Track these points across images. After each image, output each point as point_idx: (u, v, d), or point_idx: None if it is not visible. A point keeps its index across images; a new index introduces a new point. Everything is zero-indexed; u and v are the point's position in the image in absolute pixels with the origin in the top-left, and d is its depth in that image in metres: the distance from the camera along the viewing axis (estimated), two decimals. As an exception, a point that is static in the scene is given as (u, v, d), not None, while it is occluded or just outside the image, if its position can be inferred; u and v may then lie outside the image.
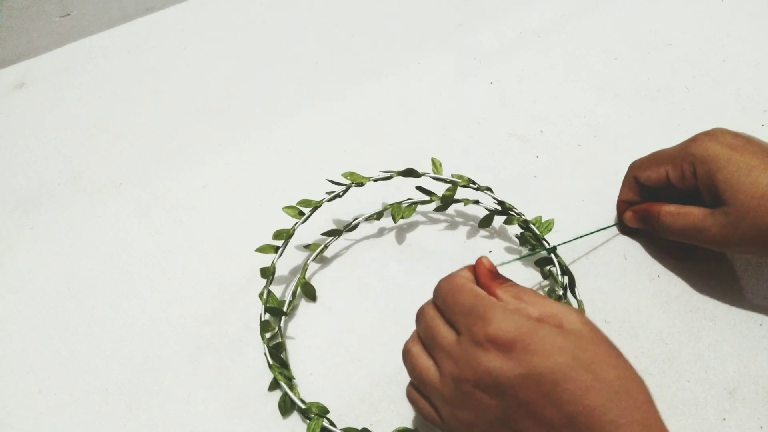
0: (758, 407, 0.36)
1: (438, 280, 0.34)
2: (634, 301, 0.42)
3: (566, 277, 0.40)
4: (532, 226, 0.43)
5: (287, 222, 0.46)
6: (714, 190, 0.37)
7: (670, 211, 0.40)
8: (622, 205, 0.45)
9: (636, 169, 0.43)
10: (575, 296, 0.40)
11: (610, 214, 0.46)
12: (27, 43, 0.70)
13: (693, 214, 0.38)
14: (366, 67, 0.62)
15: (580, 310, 0.39)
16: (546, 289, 0.42)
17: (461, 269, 0.34)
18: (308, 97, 0.60)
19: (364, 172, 0.45)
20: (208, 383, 0.40)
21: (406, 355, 0.34)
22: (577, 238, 0.43)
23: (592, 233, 0.43)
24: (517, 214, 0.44)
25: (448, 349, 0.31)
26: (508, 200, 0.47)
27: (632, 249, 0.44)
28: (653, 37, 0.61)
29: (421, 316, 0.34)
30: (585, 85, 0.57)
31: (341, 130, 0.56)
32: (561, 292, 0.40)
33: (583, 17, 0.65)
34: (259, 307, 0.43)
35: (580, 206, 0.47)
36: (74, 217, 0.52)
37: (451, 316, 0.32)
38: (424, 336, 0.33)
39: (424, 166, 0.52)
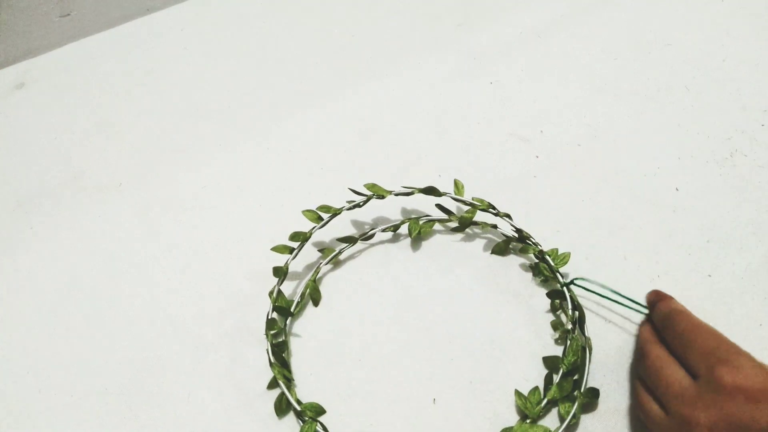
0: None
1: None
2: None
3: (576, 313, 0.40)
4: (547, 257, 0.42)
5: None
6: None
7: None
8: None
9: None
10: (584, 333, 0.39)
11: (610, 215, 0.47)
12: (27, 43, 0.70)
13: None
14: (366, 67, 0.62)
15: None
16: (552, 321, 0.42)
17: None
18: (308, 97, 0.60)
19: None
20: (208, 383, 0.41)
21: (634, 391, 0.34)
22: (602, 295, 0.41)
23: (619, 298, 0.40)
24: (534, 243, 0.43)
25: (679, 390, 0.31)
26: (508, 200, 0.47)
27: (632, 249, 0.44)
28: (653, 37, 0.61)
29: (646, 349, 0.34)
30: (585, 85, 0.57)
31: (341, 130, 0.56)
32: (569, 327, 0.39)
33: (583, 17, 0.64)
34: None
35: (580, 206, 0.47)
36: (74, 217, 0.52)
37: (687, 354, 0.32)
38: (647, 372, 0.33)
39: (424, 165, 0.52)
